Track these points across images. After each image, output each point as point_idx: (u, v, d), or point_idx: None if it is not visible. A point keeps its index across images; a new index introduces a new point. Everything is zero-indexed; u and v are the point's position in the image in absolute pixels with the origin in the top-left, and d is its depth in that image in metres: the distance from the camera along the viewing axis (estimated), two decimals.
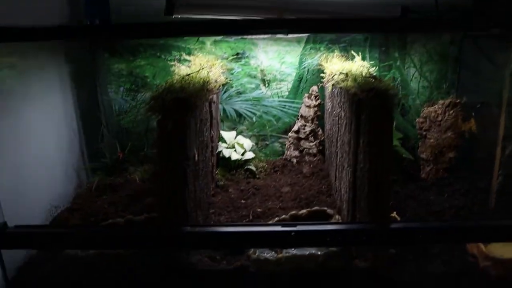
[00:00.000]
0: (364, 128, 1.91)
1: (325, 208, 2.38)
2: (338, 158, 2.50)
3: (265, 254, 2.10)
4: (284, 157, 3.22)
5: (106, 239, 1.89)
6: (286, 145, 3.21)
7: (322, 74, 2.79)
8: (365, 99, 1.85)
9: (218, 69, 2.63)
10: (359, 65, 2.36)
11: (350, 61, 2.58)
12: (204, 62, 2.59)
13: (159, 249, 1.96)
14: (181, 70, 2.35)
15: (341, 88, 2.32)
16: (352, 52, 2.58)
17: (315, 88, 3.06)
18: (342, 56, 2.87)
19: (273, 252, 2.13)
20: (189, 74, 2.13)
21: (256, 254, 2.06)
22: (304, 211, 2.37)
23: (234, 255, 2.10)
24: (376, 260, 2.00)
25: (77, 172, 2.95)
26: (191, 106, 1.79)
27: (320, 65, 2.97)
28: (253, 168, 3.01)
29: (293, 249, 2.13)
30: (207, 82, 2.05)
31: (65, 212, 2.60)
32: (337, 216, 2.31)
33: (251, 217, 2.46)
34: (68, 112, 2.90)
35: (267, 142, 3.27)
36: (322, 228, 1.87)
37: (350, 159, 2.15)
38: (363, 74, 2.11)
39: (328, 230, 1.86)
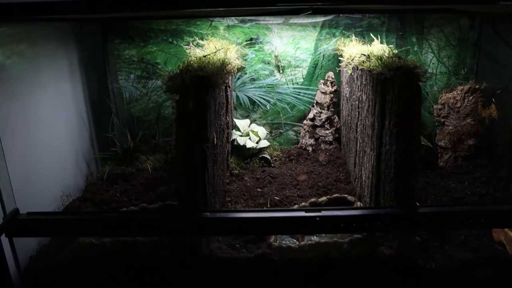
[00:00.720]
0: (391, 109, 1.83)
1: (346, 195, 2.31)
2: (358, 144, 2.42)
3: (287, 241, 2.03)
4: (299, 145, 3.14)
5: (122, 225, 1.81)
6: (301, 133, 3.13)
7: (340, 58, 2.71)
8: (392, 78, 1.77)
9: (233, 53, 2.55)
10: (379, 48, 2.27)
11: (369, 45, 2.50)
12: (219, 46, 2.51)
13: (178, 235, 1.88)
14: (196, 53, 2.27)
15: (362, 70, 2.24)
16: (371, 35, 2.49)
17: (331, 74, 2.98)
18: (359, 41, 2.78)
19: (295, 240, 2.06)
20: (206, 56, 2.05)
21: (278, 241, 1.98)
22: (324, 198, 2.29)
23: (254, 243, 2.03)
24: (402, 247, 1.92)
25: (87, 161, 2.88)
26: (211, 85, 1.72)
27: (337, 50, 2.89)
28: (268, 156, 2.93)
29: (315, 236, 2.06)
30: (226, 63, 1.97)
31: (76, 201, 2.53)
32: (358, 203, 2.24)
33: (269, 205, 2.38)
34: (78, 100, 2.83)
35: (281, 131, 3.19)
36: (348, 214, 1.79)
37: (373, 143, 2.08)
38: (387, 54, 2.03)
39: (354, 215, 1.79)
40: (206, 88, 1.69)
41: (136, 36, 2.97)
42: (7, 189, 1.85)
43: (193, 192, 1.80)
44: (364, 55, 2.20)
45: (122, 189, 2.58)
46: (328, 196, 2.31)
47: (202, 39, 2.83)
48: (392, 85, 1.79)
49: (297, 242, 2.02)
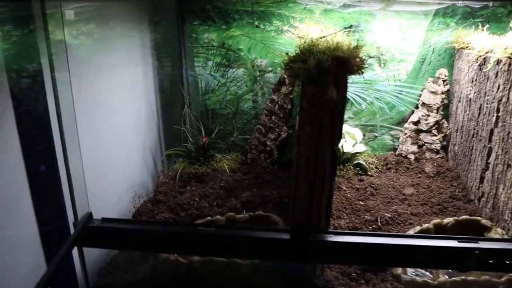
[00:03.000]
0: None
1: (478, 218, 1.87)
2: (493, 155, 1.97)
3: (418, 274, 1.61)
4: (397, 152, 2.69)
5: (217, 242, 1.44)
6: (401, 138, 2.68)
7: (468, 50, 2.26)
8: None
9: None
10: None
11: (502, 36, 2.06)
12: (324, 30, 2.10)
13: (291, 260, 1.48)
14: (304, 34, 1.88)
15: (510, 65, 1.80)
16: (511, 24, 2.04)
17: (444, 71, 2.53)
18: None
19: (427, 273, 1.64)
20: (324, 36, 1.64)
21: (406, 273, 1.57)
22: (450, 220, 1.86)
23: (374, 272, 1.63)
24: None
25: (154, 157, 2.53)
26: (350, 70, 1.32)
27: (456, 42, 2.44)
28: (364, 163, 2.51)
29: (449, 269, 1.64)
30: (359, 46, 1.56)
31: (148, 203, 2.18)
32: (498, 230, 1.79)
33: (379, 224, 1.97)
34: (148, 87, 2.48)
35: (376, 134, 2.75)
36: None
37: None
38: None
39: None
40: (345, 73, 1.30)
41: (218, 17, 2.60)
42: (80, 189, 1.51)
43: (314, 205, 1.41)
44: None
45: (199, 192, 2.21)
46: (456, 218, 1.87)
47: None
48: None
49: (430, 276, 1.60)
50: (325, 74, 1.25)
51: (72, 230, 1.48)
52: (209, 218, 1.88)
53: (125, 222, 1.52)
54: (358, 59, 1.33)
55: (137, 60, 2.32)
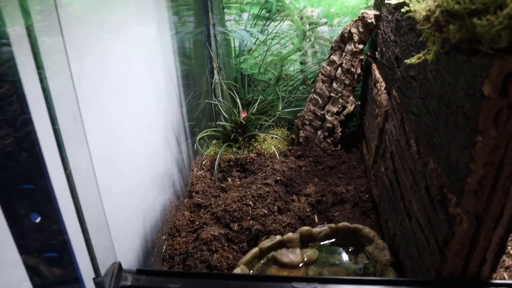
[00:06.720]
0: None
1: None
2: None
3: None
4: None
5: None
6: None
7: None
8: None
9: None
10: None
11: None
12: None
13: None
14: None
15: None
16: None
17: None
18: None
19: None
20: None
21: None
22: None
23: None
24: None
25: (177, 138, 1.97)
26: None
27: None
28: None
29: None
30: None
31: (184, 209, 1.64)
32: None
33: None
34: (166, 50, 1.88)
35: None
36: None
37: None
38: None
39: None
40: None
41: None
42: (100, 227, 0.96)
43: (479, 246, 0.88)
44: None
45: (252, 192, 1.65)
46: None
47: None
48: None
49: None
50: None
51: None
52: (278, 237, 1.34)
53: (176, 275, 0.98)
54: None
55: (149, 15, 1.72)
